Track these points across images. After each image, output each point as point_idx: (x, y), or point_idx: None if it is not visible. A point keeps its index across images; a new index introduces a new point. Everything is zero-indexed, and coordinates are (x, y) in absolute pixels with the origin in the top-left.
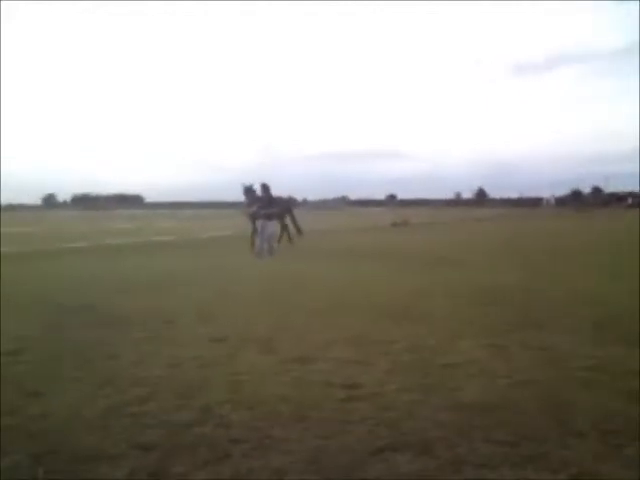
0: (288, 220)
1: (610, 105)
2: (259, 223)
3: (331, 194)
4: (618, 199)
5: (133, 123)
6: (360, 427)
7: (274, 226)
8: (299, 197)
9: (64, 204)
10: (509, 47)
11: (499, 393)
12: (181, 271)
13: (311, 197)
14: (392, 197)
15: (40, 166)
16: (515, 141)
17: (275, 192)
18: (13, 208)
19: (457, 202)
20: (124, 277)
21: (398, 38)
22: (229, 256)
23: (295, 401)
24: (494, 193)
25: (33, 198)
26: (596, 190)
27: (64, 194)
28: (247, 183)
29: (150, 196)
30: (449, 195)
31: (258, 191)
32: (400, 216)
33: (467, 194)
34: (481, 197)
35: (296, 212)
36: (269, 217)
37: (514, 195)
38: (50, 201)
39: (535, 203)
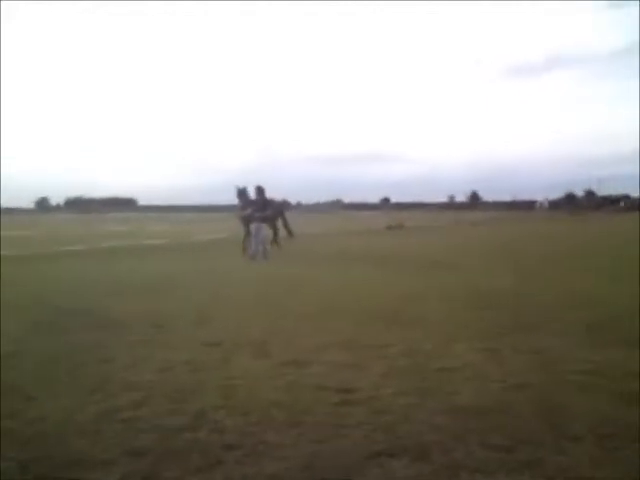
0: (279, 223)
1: (609, 107)
2: (253, 226)
3: (325, 197)
4: (611, 202)
5: (127, 125)
6: (355, 432)
7: (267, 229)
8: (293, 200)
9: (57, 207)
10: (506, 49)
11: (494, 397)
12: (175, 274)
13: (305, 200)
14: (386, 200)
15: (33, 169)
16: (512, 143)
17: (269, 195)
18: (11, 211)
19: (450, 205)
20: (119, 280)
21: (396, 40)
22: (223, 259)
23: (289, 405)
24: (487, 196)
25: (26, 201)
26: (589, 193)
27: (57, 197)
28: (240, 186)
29: (143, 199)
30: (443, 198)
31: (251, 194)
32: (395, 219)
33: (461, 197)
34: (474, 200)
35: (289, 215)
36: (264, 220)
37: (507, 198)
38: (43, 204)
39: (528, 206)
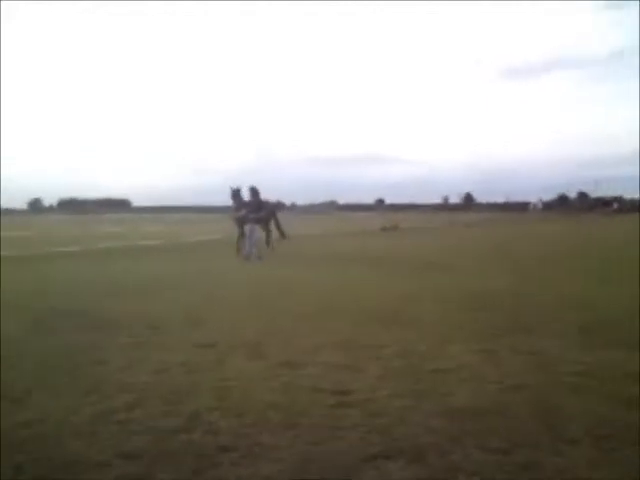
0: (272, 225)
1: (608, 108)
2: (247, 227)
3: (320, 198)
4: (604, 204)
5: (122, 126)
6: (351, 434)
7: (260, 230)
8: (287, 201)
9: (50, 208)
10: (504, 50)
11: (490, 398)
12: (170, 275)
13: (299, 201)
14: (380, 202)
15: (26, 170)
16: (510, 145)
17: (264, 196)
18: (10, 212)
19: (444, 207)
20: (114, 281)
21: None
22: (217, 260)
23: (285, 407)
24: (481, 198)
25: (19, 202)
26: (582, 195)
27: (50, 198)
28: (235, 187)
29: (137, 200)
30: (438, 200)
31: (245, 195)
32: (390, 221)
33: (455, 199)
34: (468, 202)
35: (284, 216)
36: (258, 221)
37: (501, 200)
38: (36, 205)
39: (522, 207)
